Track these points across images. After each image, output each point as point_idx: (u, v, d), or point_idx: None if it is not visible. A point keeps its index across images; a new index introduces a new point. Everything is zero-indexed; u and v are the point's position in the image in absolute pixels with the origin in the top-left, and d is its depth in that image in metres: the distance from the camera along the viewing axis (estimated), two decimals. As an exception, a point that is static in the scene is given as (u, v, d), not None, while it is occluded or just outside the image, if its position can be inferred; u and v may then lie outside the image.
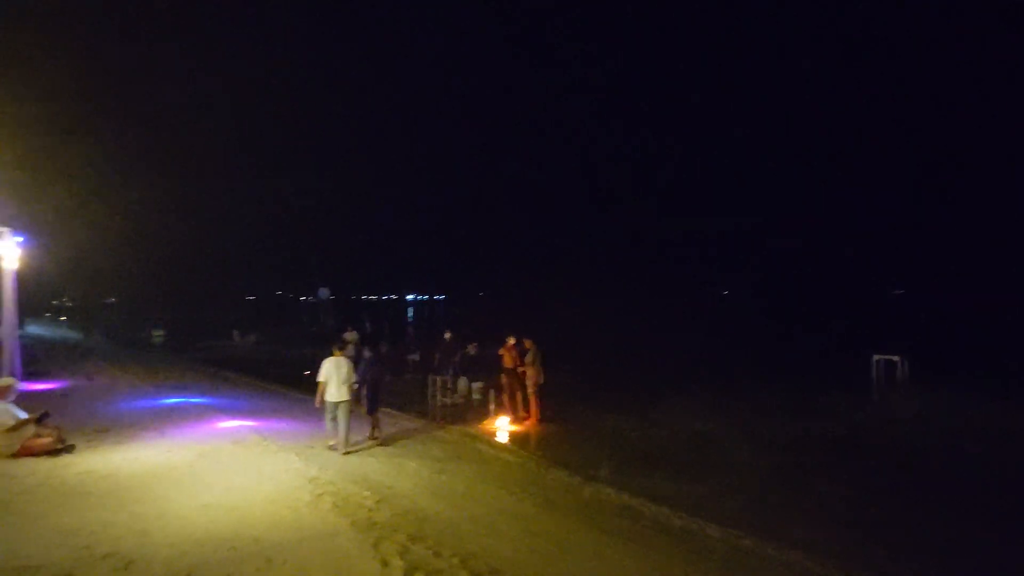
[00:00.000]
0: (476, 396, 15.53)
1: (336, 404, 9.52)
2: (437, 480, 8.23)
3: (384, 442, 10.26)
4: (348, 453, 9.39)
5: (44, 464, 8.41)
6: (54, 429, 9.25)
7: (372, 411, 10.45)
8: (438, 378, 15.83)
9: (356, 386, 9.99)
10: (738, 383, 18.90)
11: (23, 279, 15.71)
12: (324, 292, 53.32)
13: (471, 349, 17.22)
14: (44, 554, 5.46)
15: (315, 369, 9.89)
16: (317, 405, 9.68)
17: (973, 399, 15.89)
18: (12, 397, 9.42)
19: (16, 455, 8.64)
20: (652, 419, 13.58)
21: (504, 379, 13.63)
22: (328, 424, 9.71)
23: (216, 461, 8.73)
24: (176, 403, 13.72)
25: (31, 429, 8.94)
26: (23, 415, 9.02)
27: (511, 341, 13.52)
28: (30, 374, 16.62)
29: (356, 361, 11.14)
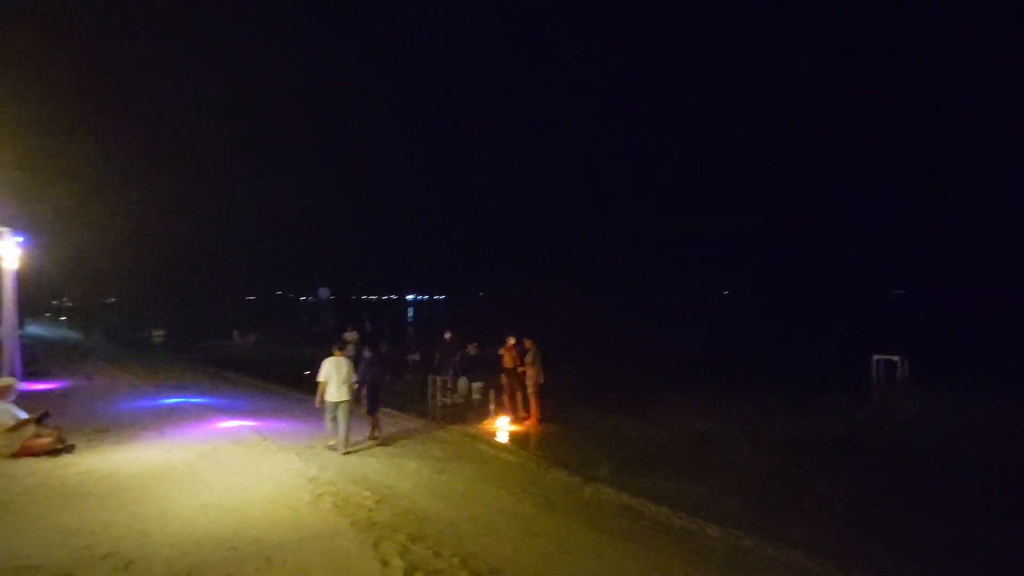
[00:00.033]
0: (476, 396, 15.52)
1: (336, 404, 9.52)
2: (437, 480, 8.23)
3: (384, 442, 10.27)
4: (348, 453, 9.39)
5: (44, 464, 8.41)
6: (54, 429, 9.25)
7: (372, 411, 10.45)
8: (438, 378, 15.83)
9: (356, 386, 9.99)
10: (738, 383, 18.89)
11: (23, 279, 15.71)
12: (324, 292, 53.35)
13: (471, 349, 17.22)
14: (44, 554, 5.46)
15: (315, 369, 9.89)
16: (317, 405, 9.69)
17: (973, 399, 15.88)
18: (12, 397, 9.42)
19: (16, 455, 8.64)
20: (652, 419, 13.58)
21: (504, 379, 13.63)
22: (328, 424, 9.71)
23: (216, 461, 8.73)
24: (176, 403, 13.72)
25: (31, 429, 8.95)
26: (23, 415, 9.02)
27: (511, 341, 13.53)
28: (30, 374, 16.62)
29: (356, 361, 11.14)
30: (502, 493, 7.77)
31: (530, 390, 12.93)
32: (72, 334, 40.82)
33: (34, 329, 41.16)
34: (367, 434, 10.34)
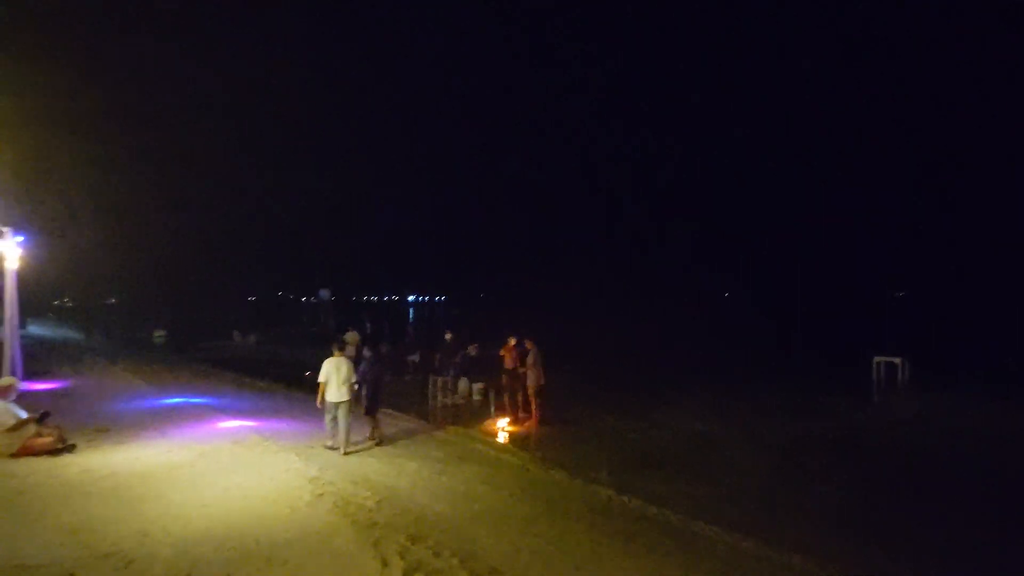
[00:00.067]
0: (477, 397, 15.52)
1: (336, 404, 9.54)
2: (437, 480, 8.23)
3: (384, 443, 10.27)
4: (348, 453, 9.40)
5: (45, 463, 8.42)
6: (55, 428, 9.27)
7: (372, 411, 10.46)
8: (439, 379, 15.84)
9: (356, 387, 10.01)
10: (738, 384, 18.89)
11: (24, 279, 15.73)
12: (325, 293, 53.35)
13: (472, 350, 17.22)
14: (45, 553, 5.47)
15: (316, 369, 9.91)
16: (319, 405, 9.70)
17: (974, 401, 15.89)
18: (13, 396, 9.44)
19: (17, 454, 8.65)
20: (652, 420, 13.58)
21: (505, 380, 13.64)
22: (328, 424, 9.72)
23: (216, 461, 8.74)
24: (177, 403, 13.73)
25: (32, 428, 8.96)
26: (24, 414, 9.04)
27: (511, 342, 13.53)
28: (31, 374, 16.64)
29: (356, 362, 11.14)
30: (502, 494, 7.77)
31: (530, 391, 12.93)
32: (73, 334, 40.85)
33: (35, 329, 41.19)
34: (367, 434, 10.36)
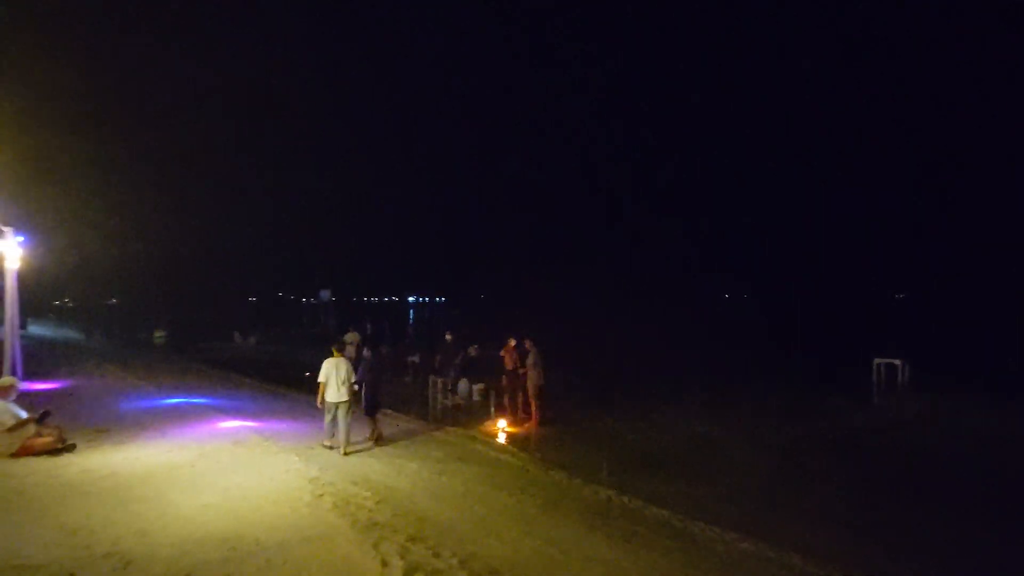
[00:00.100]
0: (477, 398, 15.52)
1: (336, 404, 9.55)
2: (437, 481, 8.23)
3: (384, 443, 10.27)
4: (348, 454, 9.40)
5: (45, 463, 8.43)
6: (55, 428, 9.27)
7: (371, 412, 10.47)
8: (439, 380, 15.84)
9: (356, 387, 10.02)
10: (739, 385, 18.88)
11: (24, 279, 15.74)
12: (325, 294, 53.35)
13: (472, 351, 17.22)
14: (44, 553, 5.47)
15: (316, 370, 9.92)
16: (319, 405, 9.72)
17: (974, 402, 15.88)
18: (13, 396, 9.44)
19: (16, 454, 8.66)
20: (652, 421, 13.58)
21: (505, 381, 13.64)
22: (327, 424, 9.74)
23: (217, 461, 8.74)
24: (177, 403, 13.73)
25: (32, 428, 8.96)
26: (24, 414, 9.04)
27: (512, 343, 13.54)
28: (31, 374, 16.64)
29: (358, 362, 11.15)
30: (502, 494, 7.77)
31: (531, 392, 12.93)
32: (73, 334, 40.86)
33: (36, 329, 41.21)
34: (367, 435, 10.37)
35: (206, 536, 5.95)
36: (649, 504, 7.69)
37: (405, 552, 5.65)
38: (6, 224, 14.41)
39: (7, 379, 10.20)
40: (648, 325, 43.01)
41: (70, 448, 9.10)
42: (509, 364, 13.47)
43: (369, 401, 10.46)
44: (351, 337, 18.96)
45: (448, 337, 17.24)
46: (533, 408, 12.92)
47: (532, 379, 12.84)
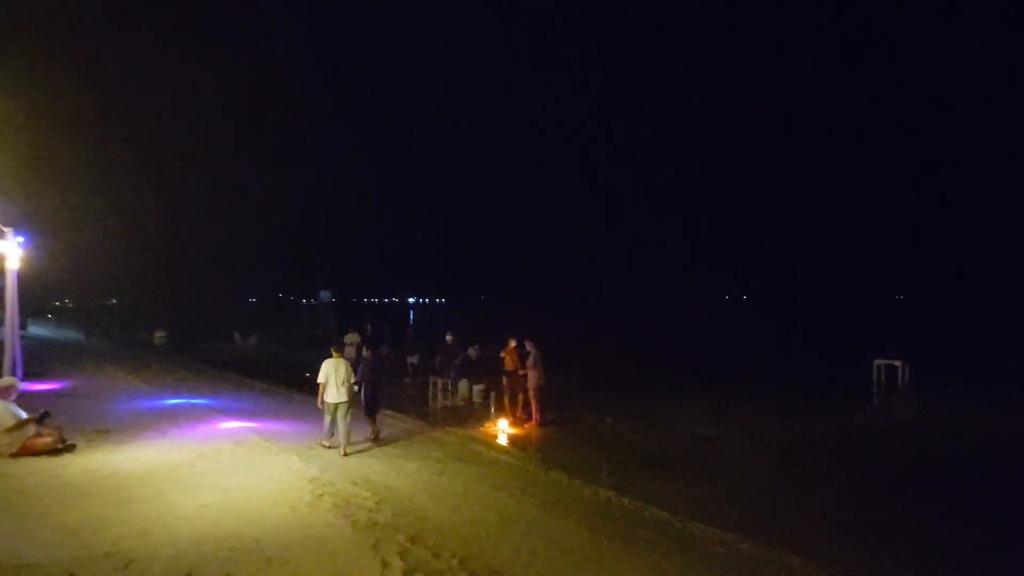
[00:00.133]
0: (477, 398, 15.52)
1: (336, 405, 9.56)
2: (437, 481, 8.23)
3: (384, 443, 10.28)
4: (348, 454, 9.40)
5: (45, 463, 8.43)
6: (55, 429, 9.27)
7: (371, 412, 10.49)
8: (439, 380, 15.85)
9: (356, 388, 10.03)
10: (738, 385, 18.87)
11: (24, 280, 15.73)
12: (326, 294, 53.33)
13: (472, 351, 17.22)
14: (44, 552, 5.47)
15: (316, 371, 9.93)
16: (319, 405, 9.72)
17: (974, 403, 15.88)
18: (13, 396, 9.45)
19: (16, 454, 8.66)
20: (652, 421, 13.57)
21: (505, 381, 13.64)
22: (327, 425, 9.75)
23: (217, 461, 8.74)
24: (177, 404, 13.73)
25: (32, 428, 8.97)
26: (24, 415, 9.04)
27: (512, 343, 13.53)
28: (31, 374, 16.64)
29: (357, 362, 11.16)
30: (502, 495, 7.77)
31: (531, 392, 12.92)
32: (73, 335, 40.86)
33: (36, 330, 41.22)
34: (367, 435, 10.38)
35: (206, 536, 5.95)
36: (649, 505, 7.69)
37: (405, 552, 5.65)
38: (6, 224, 14.42)
39: (7, 379, 10.21)
40: (648, 325, 43.03)
41: (70, 448, 9.10)
42: (509, 365, 13.46)
43: (369, 401, 10.48)
44: (351, 338, 18.95)
45: (448, 338, 17.24)
46: (533, 409, 12.92)
47: (532, 380, 12.84)
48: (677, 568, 5.78)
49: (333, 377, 9.56)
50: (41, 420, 9.22)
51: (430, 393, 15.64)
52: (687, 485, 9.11)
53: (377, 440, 10.34)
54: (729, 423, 13.47)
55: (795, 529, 7.33)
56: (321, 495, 7.27)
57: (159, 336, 37.53)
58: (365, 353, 11.70)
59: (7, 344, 14.89)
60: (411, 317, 74.61)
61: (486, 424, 12.78)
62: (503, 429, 12.27)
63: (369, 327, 26.68)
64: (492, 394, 14.70)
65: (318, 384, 9.66)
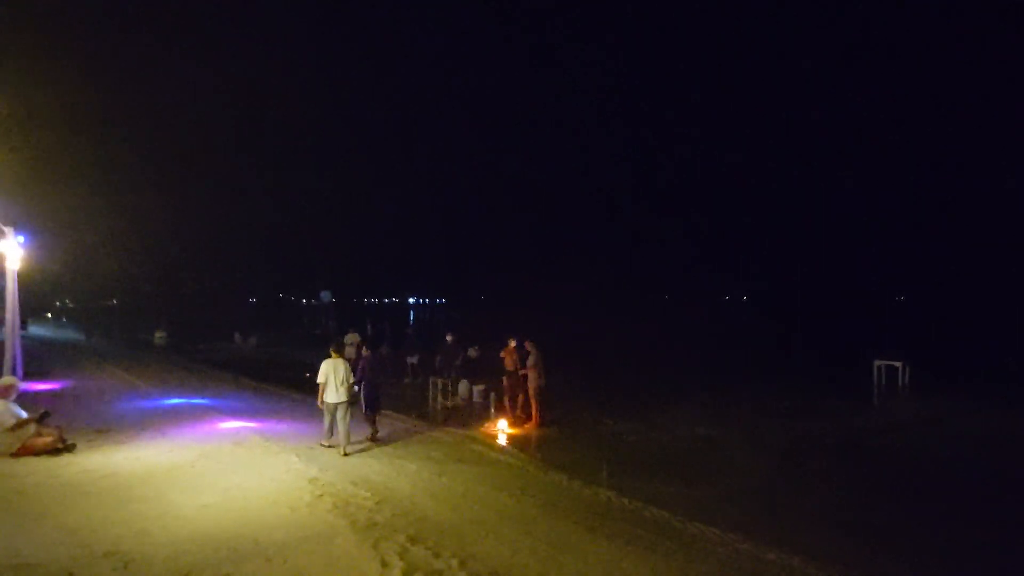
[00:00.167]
0: (477, 399, 15.52)
1: (335, 405, 9.56)
2: (437, 482, 8.23)
3: (384, 444, 10.28)
4: (348, 454, 9.40)
5: (44, 463, 8.43)
6: (55, 428, 9.27)
7: (370, 411, 10.50)
8: (439, 380, 15.85)
9: (356, 388, 10.03)
10: (738, 386, 18.87)
11: (25, 280, 15.74)
12: (326, 295, 53.41)
13: (472, 352, 17.22)
14: (44, 552, 5.47)
15: (316, 371, 9.94)
16: (320, 405, 9.73)
17: (974, 404, 15.88)
18: (13, 396, 9.45)
19: (16, 454, 8.66)
20: (652, 421, 13.56)
21: (505, 382, 13.63)
22: (326, 425, 9.76)
23: (217, 461, 8.74)
24: (177, 404, 13.74)
25: (32, 428, 8.97)
26: (24, 414, 9.04)
27: (512, 344, 13.53)
28: (31, 374, 16.65)
29: (357, 362, 11.17)
30: (502, 495, 7.76)
31: (531, 393, 12.92)
32: (74, 335, 40.88)
33: (36, 330, 41.23)
34: (367, 435, 10.38)
35: (206, 536, 5.95)
36: (649, 505, 7.68)
37: (405, 552, 5.65)
38: (6, 224, 14.43)
39: (7, 379, 10.21)
40: (648, 325, 43.05)
41: (70, 448, 9.10)
42: (509, 365, 13.45)
43: (368, 400, 10.49)
44: (351, 338, 18.93)
45: (449, 338, 17.25)
46: (533, 409, 12.91)
47: (532, 380, 12.83)
48: (677, 568, 5.78)
49: (332, 377, 9.57)
50: (41, 420, 9.22)
51: (430, 393, 15.64)
52: (687, 485, 9.10)
53: (376, 440, 10.35)
54: (729, 423, 13.47)
55: (795, 529, 7.33)
56: (321, 495, 7.27)
57: (159, 336, 37.55)
58: (364, 353, 11.70)
59: (7, 344, 14.90)
60: (411, 317, 74.64)
61: (486, 424, 12.78)
62: (503, 429, 12.27)
63: (369, 327, 26.70)
64: (492, 394, 14.70)
65: (318, 384, 9.67)
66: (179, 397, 14.64)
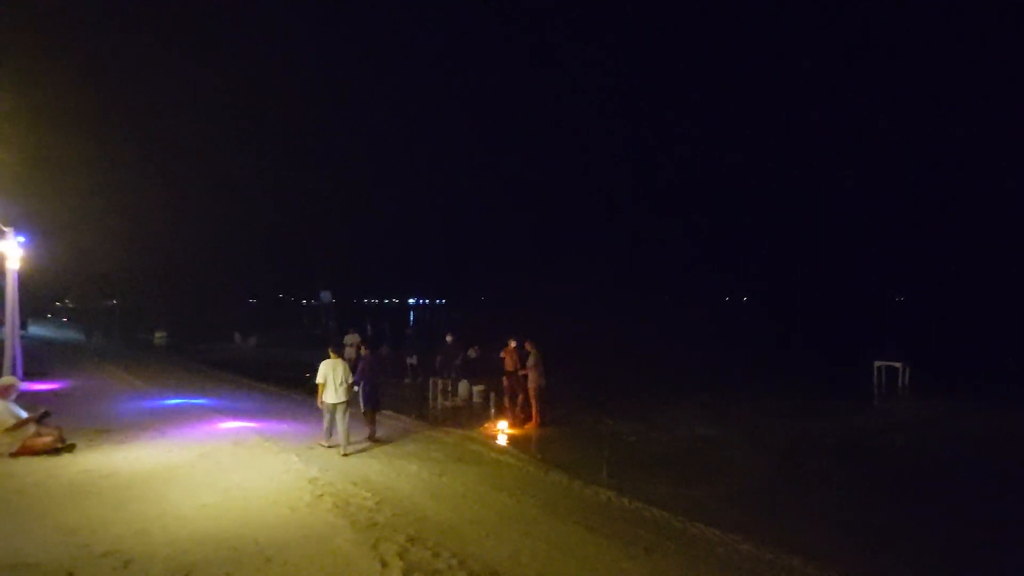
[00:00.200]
0: (477, 399, 15.51)
1: (335, 405, 9.57)
2: (437, 482, 8.23)
3: (384, 444, 10.28)
4: (348, 454, 9.40)
5: (44, 463, 8.43)
6: (55, 428, 9.27)
7: (369, 411, 10.50)
8: (439, 381, 15.84)
9: (356, 388, 10.04)
10: (739, 386, 18.86)
11: (25, 280, 15.74)
12: (326, 295, 53.33)
13: (472, 352, 17.21)
14: (44, 552, 5.47)
15: (316, 371, 9.94)
16: (319, 406, 9.74)
17: (974, 404, 15.88)
18: (13, 396, 9.45)
19: (16, 454, 8.66)
20: (653, 422, 13.56)
21: (505, 382, 13.63)
22: (326, 425, 9.77)
23: (217, 461, 8.73)
24: (177, 404, 13.73)
25: (32, 428, 8.97)
26: (24, 414, 9.04)
27: (512, 344, 13.53)
28: (31, 374, 16.65)
29: (357, 362, 11.18)
30: (502, 495, 7.76)
31: (531, 393, 12.91)
32: (74, 335, 40.88)
33: (36, 330, 41.23)
34: (367, 435, 10.39)
35: (206, 536, 5.95)
36: (649, 505, 7.68)
37: (405, 552, 5.65)
38: (7, 224, 14.43)
39: (7, 379, 10.21)
40: (648, 325, 43.03)
41: (70, 448, 9.10)
42: (509, 365, 13.45)
43: (367, 400, 10.49)
44: (351, 338, 18.94)
45: (449, 338, 17.25)
46: (533, 409, 12.91)
47: (532, 380, 12.83)
48: (677, 568, 5.78)
49: (331, 378, 9.57)
50: (41, 420, 9.23)
51: (430, 393, 15.63)
52: (687, 485, 9.10)
53: (375, 440, 10.35)
54: (729, 423, 13.47)
55: (795, 529, 7.32)
56: (321, 495, 7.27)
57: (159, 336, 37.57)
58: (363, 352, 11.70)
59: (7, 344, 14.90)
60: (411, 318, 74.64)
61: (486, 424, 12.78)
62: (503, 429, 12.27)
63: (369, 327, 26.69)
64: (492, 395, 14.70)
65: (317, 385, 9.67)
66: (179, 397, 14.64)
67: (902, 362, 18.70)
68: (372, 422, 10.57)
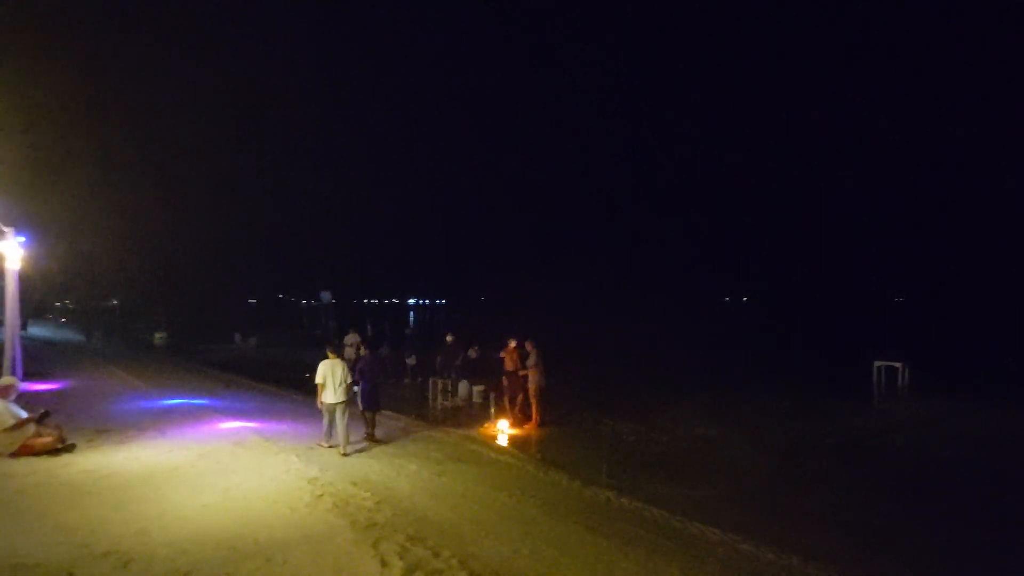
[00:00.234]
0: (477, 399, 15.51)
1: (334, 405, 9.57)
2: (437, 482, 8.23)
3: (384, 444, 10.28)
4: (347, 454, 9.40)
5: (44, 463, 8.42)
6: (55, 428, 9.27)
7: (368, 410, 10.50)
8: (439, 381, 15.84)
9: (355, 388, 10.04)
10: (739, 388, 18.87)
11: (25, 280, 15.73)
12: (326, 295, 53.29)
13: (472, 352, 17.21)
14: (43, 552, 5.47)
15: (315, 372, 9.94)
16: (319, 406, 9.74)
17: (974, 404, 15.88)
18: (13, 396, 9.45)
19: (16, 454, 8.66)
20: (653, 422, 13.56)
21: (505, 382, 13.63)
22: (325, 425, 9.77)
23: (216, 462, 8.73)
24: (177, 404, 13.73)
25: (32, 428, 8.97)
26: (24, 414, 9.04)
27: (512, 344, 13.53)
28: (31, 374, 16.64)
29: (357, 363, 11.18)
30: (502, 495, 7.76)
31: (531, 393, 12.92)
32: (74, 335, 40.88)
33: (36, 330, 41.23)
34: (366, 435, 10.39)
35: (206, 536, 5.95)
36: (649, 505, 7.68)
37: (404, 552, 5.65)
38: (7, 224, 14.41)
39: (7, 379, 10.20)
40: (648, 325, 43.03)
41: (70, 448, 9.10)
42: (509, 365, 13.45)
43: (366, 399, 10.49)
44: (351, 339, 18.94)
45: (449, 338, 17.24)
46: (533, 409, 12.91)
47: (532, 380, 12.84)
48: (677, 568, 5.78)
49: (330, 378, 9.58)
50: (41, 420, 9.22)
51: (430, 394, 15.63)
52: (687, 485, 9.11)
53: (374, 439, 10.35)
54: (729, 424, 13.47)
55: (795, 529, 7.33)
56: (321, 495, 7.27)
57: (159, 337, 37.58)
58: (363, 353, 11.71)
59: (7, 344, 14.89)
60: (411, 318, 74.62)
61: (486, 425, 12.78)
62: (503, 430, 12.27)
63: (369, 328, 26.71)
64: (492, 395, 14.70)
65: (316, 385, 9.67)
66: (179, 397, 14.63)
67: (902, 362, 18.70)
68: (371, 422, 10.57)
